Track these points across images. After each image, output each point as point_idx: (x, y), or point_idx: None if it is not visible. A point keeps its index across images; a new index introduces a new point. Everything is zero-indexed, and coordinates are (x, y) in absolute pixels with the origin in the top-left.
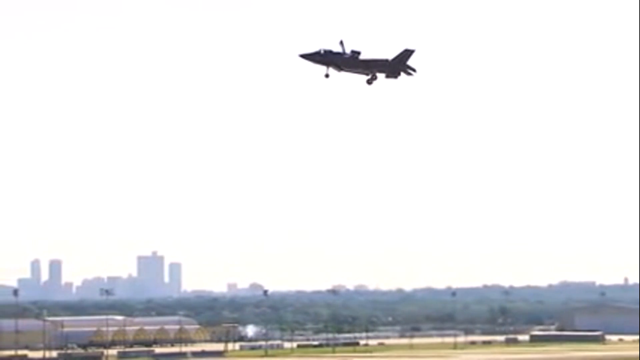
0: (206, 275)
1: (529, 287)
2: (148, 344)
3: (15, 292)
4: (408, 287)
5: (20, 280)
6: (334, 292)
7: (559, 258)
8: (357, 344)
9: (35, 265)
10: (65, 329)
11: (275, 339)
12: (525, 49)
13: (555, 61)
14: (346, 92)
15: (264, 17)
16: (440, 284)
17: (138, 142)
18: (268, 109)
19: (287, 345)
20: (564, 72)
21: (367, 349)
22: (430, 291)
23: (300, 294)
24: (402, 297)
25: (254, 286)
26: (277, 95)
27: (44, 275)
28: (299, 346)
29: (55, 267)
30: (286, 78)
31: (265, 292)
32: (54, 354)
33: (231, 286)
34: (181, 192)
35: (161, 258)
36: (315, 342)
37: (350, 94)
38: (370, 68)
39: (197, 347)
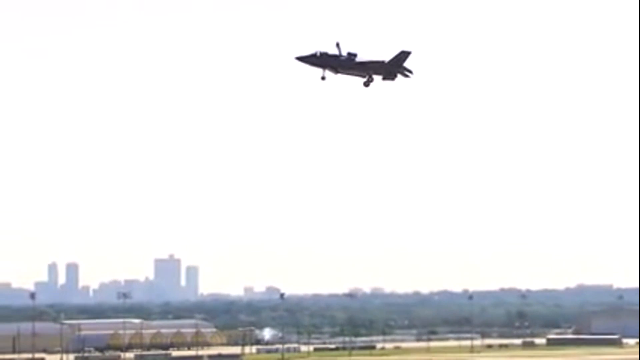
0: (223, 278)
1: (546, 291)
2: (165, 347)
3: (33, 295)
4: (425, 290)
5: (37, 284)
6: (350, 295)
7: (576, 261)
8: (374, 347)
9: (52, 269)
10: (83, 333)
11: (292, 343)
12: (523, 49)
13: (553, 62)
14: (345, 94)
15: (259, 19)
16: (457, 287)
17: (154, 146)
18: (274, 113)
19: (303, 348)
20: (563, 72)
21: (384, 352)
22: (446, 294)
23: (316, 297)
24: (418, 300)
25: (271, 289)
26: (277, 97)
27: (61, 279)
28: (315, 349)
29: (72, 270)
30: (283, 81)
31: (282, 295)
32: (72, 357)
33: (248, 289)
34: (198, 196)
35: (178, 261)
36: (332, 346)
37: (348, 96)
38: (367, 70)
39: (214, 351)
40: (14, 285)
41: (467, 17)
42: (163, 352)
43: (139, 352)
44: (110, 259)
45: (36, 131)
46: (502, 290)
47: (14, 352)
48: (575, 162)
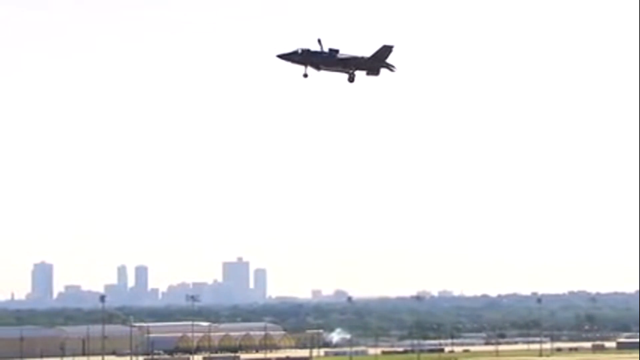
0: (291, 281)
1: (615, 294)
2: (233, 349)
3: (102, 298)
4: (493, 293)
5: (107, 286)
6: (418, 298)
7: None
8: (442, 350)
9: (121, 271)
10: (152, 335)
11: (359, 345)
12: (512, 42)
13: (544, 59)
14: (338, 91)
15: (240, 18)
16: (525, 290)
17: (223, 151)
18: (287, 116)
19: (371, 351)
20: (558, 71)
21: (452, 355)
22: (515, 297)
23: (384, 300)
24: (487, 303)
25: (339, 292)
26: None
27: (131, 281)
28: (383, 352)
29: (141, 273)
30: (265, 80)
31: (350, 298)
32: (141, 359)
33: (316, 292)
34: (266, 199)
35: (246, 264)
36: (400, 349)
37: (340, 92)
38: (349, 66)
39: (282, 353)
40: (84, 288)
41: (452, 11)
42: (232, 354)
43: (207, 354)
44: (179, 262)
45: (108, 138)
46: (571, 293)
47: (84, 354)
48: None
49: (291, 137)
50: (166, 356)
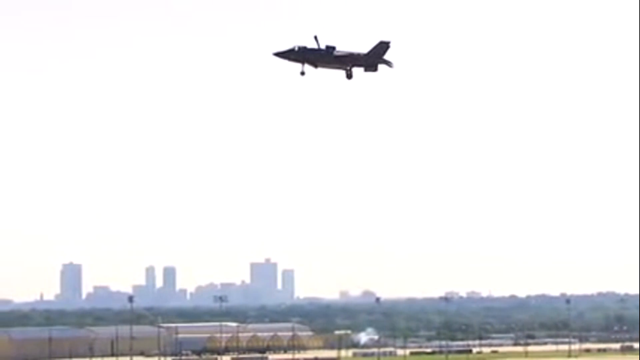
0: (319, 282)
1: None
2: (261, 350)
3: (131, 298)
4: (521, 293)
5: (135, 287)
6: (446, 298)
7: None
8: (470, 351)
9: (150, 272)
10: (180, 336)
11: (387, 346)
12: (510, 39)
13: (545, 57)
14: (336, 88)
15: (237, 16)
16: (554, 290)
17: (247, 153)
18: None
19: (399, 352)
20: (558, 68)
21: (481, 356)
22: (544, 298)
23: (412, 301)
24: (515, 304)
25: (366, 293)
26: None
27: (159, 282)
28: (411, 353)
29: (169, 273)
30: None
31: (378, 299)
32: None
33: (343, 293)
34: (294, 200)
35: (274, 265)
36: (428, 350)
37: (339, 89)
38: (346, 63)
39: (310, 354)
40: (112, 288)
41: (450, 6)
42: (260, 355)
43: (235, 355)
44: (207, 263)
45: (135, 139)
46: (600, 294)
47: (112, 355)
48: None
49: (297, 137)
50: (194, 357)
